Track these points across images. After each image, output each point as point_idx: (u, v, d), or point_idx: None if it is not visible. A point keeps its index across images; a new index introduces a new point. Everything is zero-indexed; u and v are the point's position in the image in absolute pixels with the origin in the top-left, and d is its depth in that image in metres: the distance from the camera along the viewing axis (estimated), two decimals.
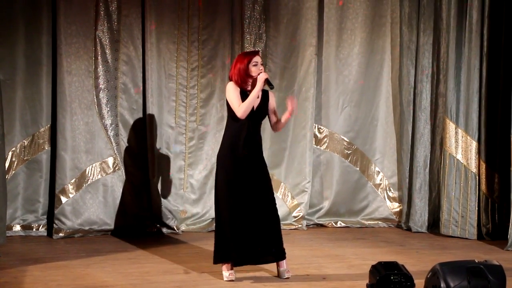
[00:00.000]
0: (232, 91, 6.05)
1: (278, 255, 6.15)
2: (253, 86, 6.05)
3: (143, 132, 8.15)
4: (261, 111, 6.19)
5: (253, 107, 6.10)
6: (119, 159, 8.04)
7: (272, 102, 6.25)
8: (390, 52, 8.70)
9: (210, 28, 8.24)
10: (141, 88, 8.04)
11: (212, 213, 8.08)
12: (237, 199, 5.97)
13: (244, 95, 6.05)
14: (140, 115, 8.16)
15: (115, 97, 8.06)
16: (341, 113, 8.72)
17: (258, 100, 6.09)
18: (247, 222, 5.96)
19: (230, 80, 6.09)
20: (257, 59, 6.08)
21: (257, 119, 6.14)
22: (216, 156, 6.28)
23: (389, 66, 8.73)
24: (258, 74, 6.01)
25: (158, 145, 8.17)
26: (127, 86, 8.09)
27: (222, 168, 6.08)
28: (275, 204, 6.14)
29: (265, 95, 6.19)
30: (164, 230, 8.14)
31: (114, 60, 8.00)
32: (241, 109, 5.96)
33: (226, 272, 6.15)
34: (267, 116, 6.28)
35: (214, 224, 6.24)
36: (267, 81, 5.99)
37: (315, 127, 8.70)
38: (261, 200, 6.03)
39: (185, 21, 8.17)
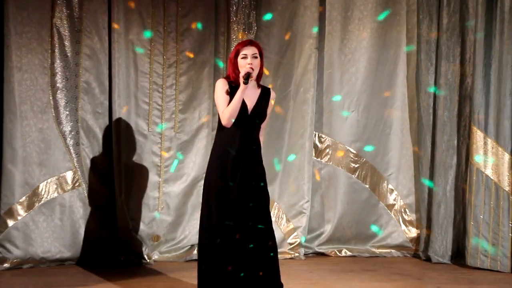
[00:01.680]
0: (218, 91, 5.91)
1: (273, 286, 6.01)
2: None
3: (109, 141, 7.89)
4: (258, 114, 5.98)
5: (246, 109, 5.90)
6: (79, 173, 7.80)
7: (270, 105, 6.08)
8: (405, 46, 8.43)
9: (191, 16, 7.97)
10: (108, 87, 7.88)
11: (192, 239, 8.05)
12: (226, 225, 5.88)
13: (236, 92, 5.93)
14: (106, 120, 7.91)
15: (76, 98, 7.79)
16: (347, 118, 8.44)
17: (254, 100, 5.92)
18: (237, 252, 5.87)
19: (226, 76, 6.05)
20: (247, 50, 5.88)
21: (252, 124, 5.95)
22: (200, 171, 6.57)
23: (404, 63, 8.44)
24: None
25: (127, 157, 7.90)
26: (90, 85, 7.82)
27: (210, 187, 5.95)
28: (272, 230, 6.03)
29: (265, 94, 6.02)
30: (133, 259, 7.88)
31: (75, 54, 7.74)
32: (225, 115, 5.82)
33: None
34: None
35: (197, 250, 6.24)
36: (244, 77, 5.79)
37: (315, 135, 8.44)
38: (254, 227, 5.93)
39: (161, 7, 7.90)
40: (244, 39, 7.74)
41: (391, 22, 8.37)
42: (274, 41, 8.17)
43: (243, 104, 5.89)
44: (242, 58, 5.84)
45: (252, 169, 5.93)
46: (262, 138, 6.10)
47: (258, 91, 5.97)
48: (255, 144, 5.97)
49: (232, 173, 5.87)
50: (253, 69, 5.83)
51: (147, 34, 7.88)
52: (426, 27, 8.18)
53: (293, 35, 8.21)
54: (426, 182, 8.34)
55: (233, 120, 5.82)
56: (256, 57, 5.87)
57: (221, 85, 5.89)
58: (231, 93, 5.87)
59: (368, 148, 8.54)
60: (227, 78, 5.95)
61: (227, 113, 5.78)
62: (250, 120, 5.91)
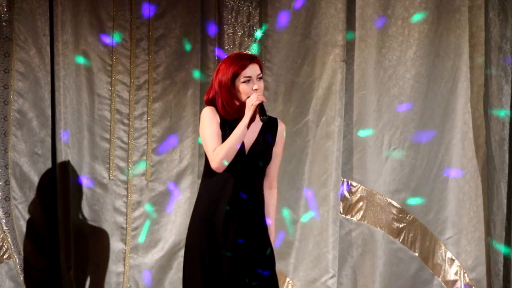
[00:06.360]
0: (206, 123, 5.32)
1: None
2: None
3: (52, 194, 7.25)
4: (259, 155, 5.41)
5: (242, 148, 5.34)
6: (9, 240, 7.19)
7: (280, 140, 5.52)
8: (468, 56, 7.42)
9: (169, 18, 7.33)
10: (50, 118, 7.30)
11: None
12: None
13: (231, 126, 5.38)
14: (49, 165, 7.30)
15: (5, 134, 7.24)
16: (386, 160, 7.54)
17: (253, 136, 5.38)
18: None
19: (207, 101, 5.43)
20: (252, 70, 5.27)
21: (251, 169, 5.38)
22: (181, 234, 6.56)
23: (467, 80, 7.45)
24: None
25: (78, 216, 7.26)
26: (25, 116, 7.22)
27: (193, 251, 5.43)
28: None
29: (270, 127, 5.49)
30: None
31: (3, 72, 7.19)
32: (217, 156, 5.23)
33: None
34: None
35: None
36: (259, 108, 5.25)
37: (342, 183, 7.60)
38: None
39: (126, 6, 7.29)
40: (244, 52, 7.19)
41: (448, 22, 7.43)
42: (285, 51, 7.38)
43: None
44: (244, 82, 5.20)
45: (251, 231, 5.35)
46: (274, 190, 5.54)
47: (260, 123, 5.37)
48: (256, 197, 5.38)
49: (223, 237, 5.30)
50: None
51: (107, 43, 7.32)
52: (498, 29, 7.19)
53: (312, 43, 7.43)
54: (501, 248, 7.43)
55: (227, 163, 5.21)
56: (261, 78, 5.32)
57: (210, 115, 5.26)
58: (223, 127, 5.28)
59: (417, 201, 7.63)
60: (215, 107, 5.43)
61: (222, 152, 5.17)
62: (247, 163, 5.32)
